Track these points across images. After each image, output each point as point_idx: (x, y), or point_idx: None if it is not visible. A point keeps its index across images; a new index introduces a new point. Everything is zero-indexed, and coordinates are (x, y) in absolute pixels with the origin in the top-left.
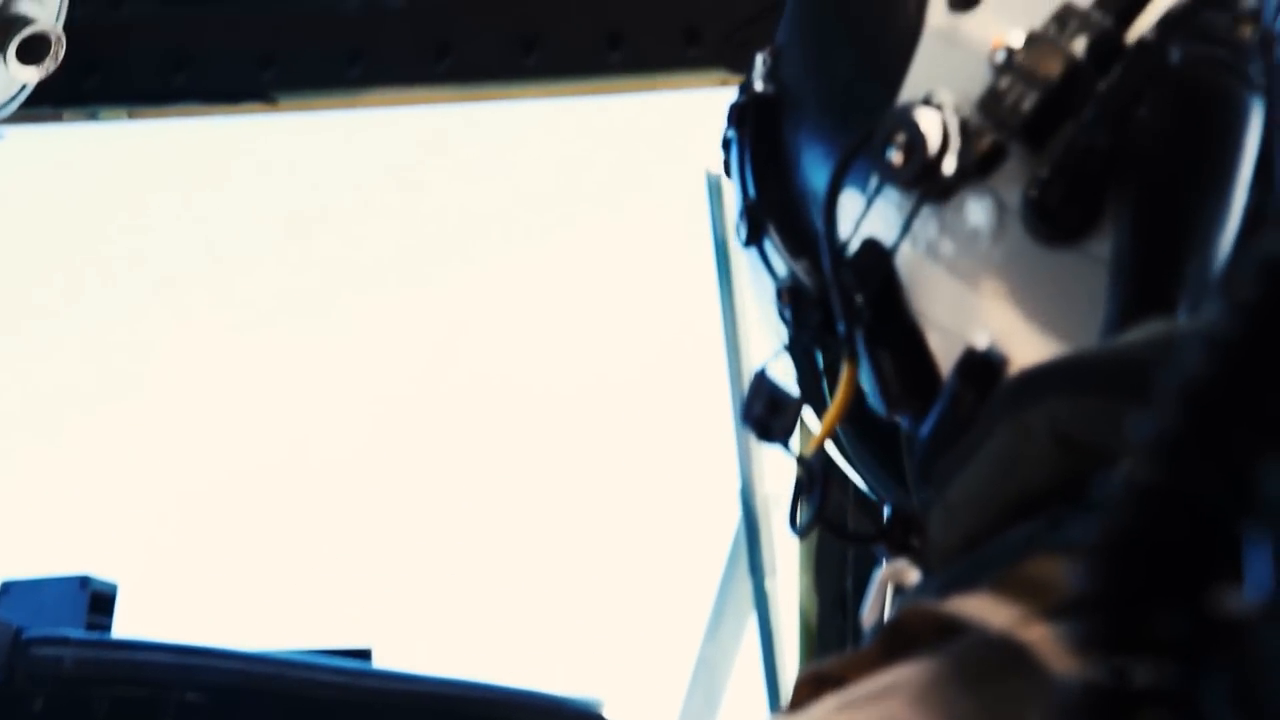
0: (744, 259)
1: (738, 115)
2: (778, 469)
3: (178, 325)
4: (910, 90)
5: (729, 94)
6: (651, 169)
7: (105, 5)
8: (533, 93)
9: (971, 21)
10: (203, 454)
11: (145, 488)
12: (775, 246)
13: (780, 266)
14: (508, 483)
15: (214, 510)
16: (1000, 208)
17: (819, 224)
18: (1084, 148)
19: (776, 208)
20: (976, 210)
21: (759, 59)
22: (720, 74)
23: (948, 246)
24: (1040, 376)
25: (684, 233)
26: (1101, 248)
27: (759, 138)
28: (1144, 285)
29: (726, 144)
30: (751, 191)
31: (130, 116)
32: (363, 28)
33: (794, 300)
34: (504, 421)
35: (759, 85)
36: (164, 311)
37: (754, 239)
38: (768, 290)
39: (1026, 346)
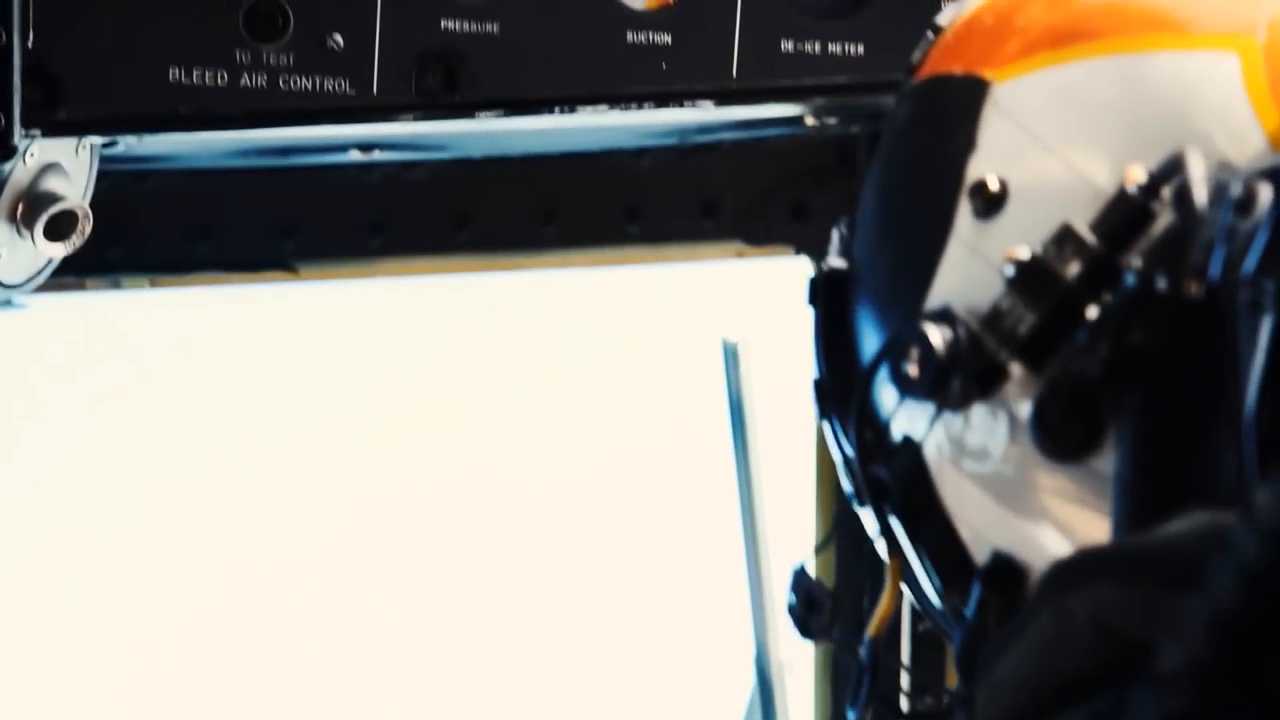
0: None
1: (812, 290)
2: (793, 635)
3: (202, 491)
4: (936, 294)
5: (745, 266)
6: (668, 337)
7: (131, 178)
8: (551, 263)
9: (992, 231)
10: (217, 622)
11: (157, 657)
12: (841, 425)
13: (845, 444)
14: (521, 647)
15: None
16: (1011, 421)
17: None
18: (1078, 371)
19: (841, 386)
20: (989, 423)
21: (836, 232)
22: (736, 246)
23: (967, 453)
24: (1083, 563)
25: (700, 400)
26: (1105, 464)
27: (829, 314)
28: (1145, 504)
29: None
30: (821, 368)
31: (152, 285)
32: (384, 198)
33: (852, 479)
34: (517, 585)
35: (833, 260)
36: (184, 475)
37: (824, 414)
38: (840, 464)
39: (1046, 555)
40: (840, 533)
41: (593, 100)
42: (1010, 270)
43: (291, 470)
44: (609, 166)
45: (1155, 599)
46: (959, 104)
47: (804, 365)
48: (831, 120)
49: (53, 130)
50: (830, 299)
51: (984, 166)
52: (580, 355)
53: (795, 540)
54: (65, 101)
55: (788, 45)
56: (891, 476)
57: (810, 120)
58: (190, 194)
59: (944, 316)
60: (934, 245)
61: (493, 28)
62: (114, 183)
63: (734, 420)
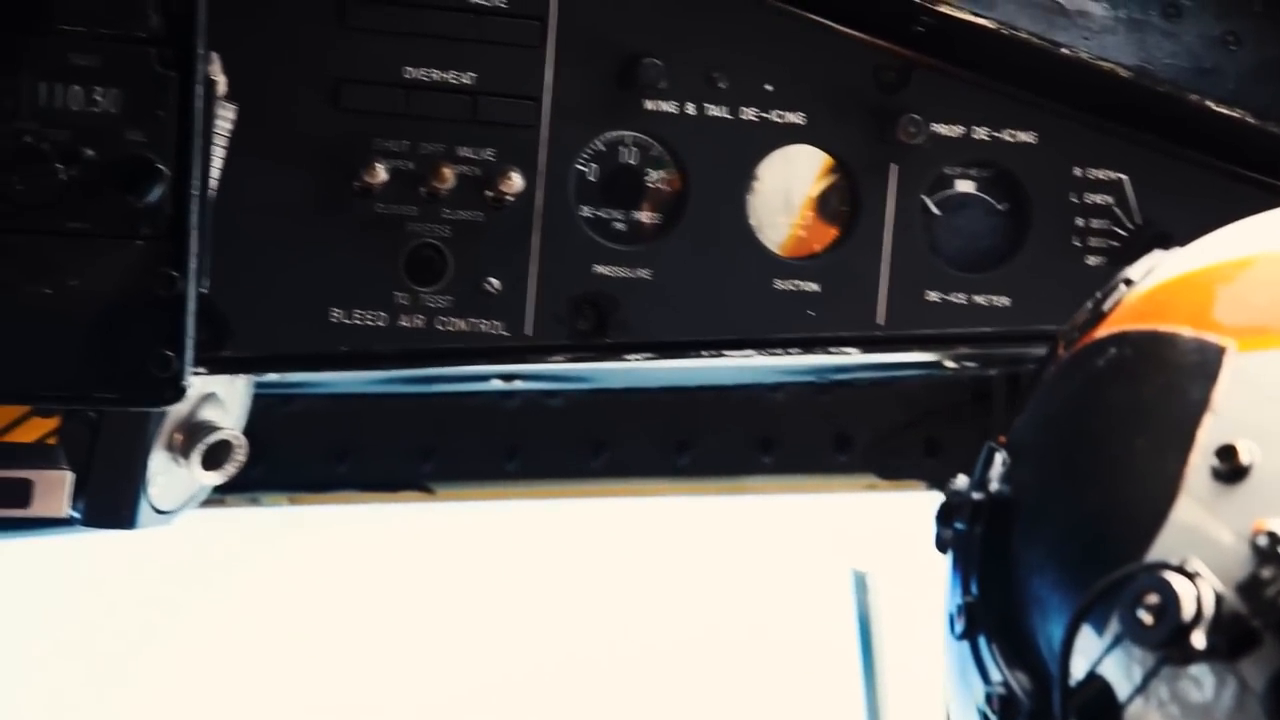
0: (954, 652)
1: (971, 510)
2: None
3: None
4: (1161, 549)
5: (876, 498)
6: (798, 566)
7: (276, 400)
8: (684, 490)
9: (1235, 496)
10: None
11: None
12: (990, 650)
13: (993, 670)
14: None
15: None
16: (1242, 688)
17: (1042, 641)
18: None
19: (997, 611)
20: (1219, 686)
21: (998, 457)
22: (868, 479)
23: (1182, 712)
24: None
25: (828, 630)
26: None
27: (990, 539)
28: None
29: (949, 533)
30: (974, 590)
31: (291, 502)
32: (522, 423)
33: (1004, 709)
34: None
35: (995, 485)
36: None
37: (969, 636)
38: (974, 688)
39: None
40: None
41: (740, 345)
42: (1265, 539)
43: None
44: (744, 399)
45: None
46: (1190, 363)
47: (934, 593)
48: (971, 364)
49: (218, 368)
50: (991, 525)
51: (1228, 432)
52: (711, 581)
53: None
54: (231, 341)
55: (933, 295)
56: (1081, 717)
57: (950, 364)
58: (332, 416)
59: (1183, 571)
60: (1160, 497)
61: (644, 273)
62: (259, 404)
63: (863, 647)
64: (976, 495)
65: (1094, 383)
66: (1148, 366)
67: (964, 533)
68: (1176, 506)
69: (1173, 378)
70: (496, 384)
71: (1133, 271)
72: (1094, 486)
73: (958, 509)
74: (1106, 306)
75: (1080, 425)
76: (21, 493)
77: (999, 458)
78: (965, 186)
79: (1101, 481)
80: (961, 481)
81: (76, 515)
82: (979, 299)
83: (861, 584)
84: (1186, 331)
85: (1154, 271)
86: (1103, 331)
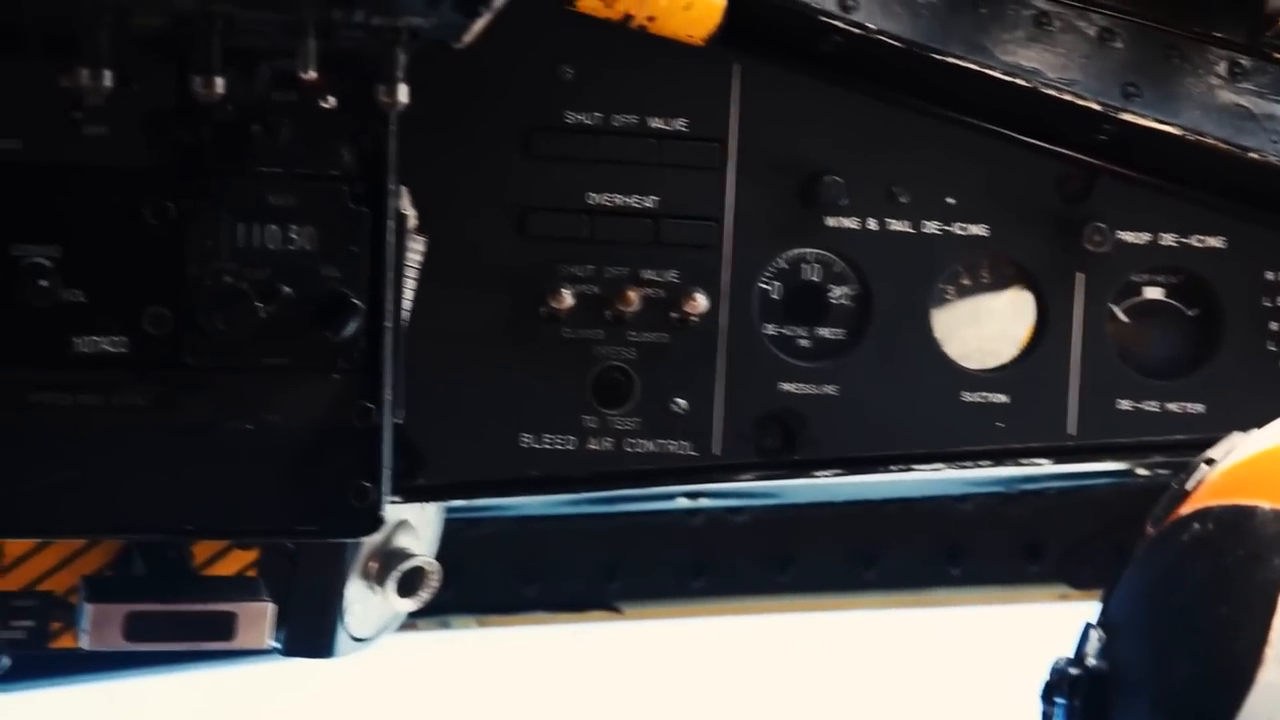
0: None
1: (1070, 685)
2: None
3: None
4: (1251, 710)
5: (1068, 609)
6: (987, 679)
7: (464, 524)
8: (872, 604)
9: None
10: None
11: None
12: None
13: None
14: None
15: None
16: None
17: None
18: None
19: None
20: None
21: (1093, 634)
22: (1060, 589)
23: None
24: None
25: None
26: None
27: (1089, 711)
28: None
29: (1052, 703)
30: None
31: (480, 625)
32: (707, 540)
33: None
34: None
35: (1092, 660)
36: None
37: None
38: None
39: None
40: None
41: (929, 459)
42: None
43: None
44: (931, 510)
45: None
46: (1270, 534)
47: None
48: (1164, 471)
49: (412, 496)
50: (1089, 699)
51: None
52: (901, 693)
53: None
54: (424, 469)
55: (1125, 404)
56: None
57: (1143, 471)
58: (519, 538)
59: None
60: (1246, 662)
61: (831, 389)
62: (447, 528)
63: None
64: (1074, 671)
65: (1180, 557)
66: (1229, 538)
67: (1065, 706)
68: (1263, 669)
69: (1254, 548)
70: (682, 502)
71: (1214, 452)
72: (1183, 656)
73: (1058, 685)
74: (1189, 486)
75: (1168, 598)
76: (226, 626)
77: (1094, 635)
78: (1154, 293)
79: (1190, 650)
80: (1061, 659)
81: (277, 645)
82: (1172, 406)
83: None
84: (1265, 504)
85: (1233, 452)
86: (1186, 509)
